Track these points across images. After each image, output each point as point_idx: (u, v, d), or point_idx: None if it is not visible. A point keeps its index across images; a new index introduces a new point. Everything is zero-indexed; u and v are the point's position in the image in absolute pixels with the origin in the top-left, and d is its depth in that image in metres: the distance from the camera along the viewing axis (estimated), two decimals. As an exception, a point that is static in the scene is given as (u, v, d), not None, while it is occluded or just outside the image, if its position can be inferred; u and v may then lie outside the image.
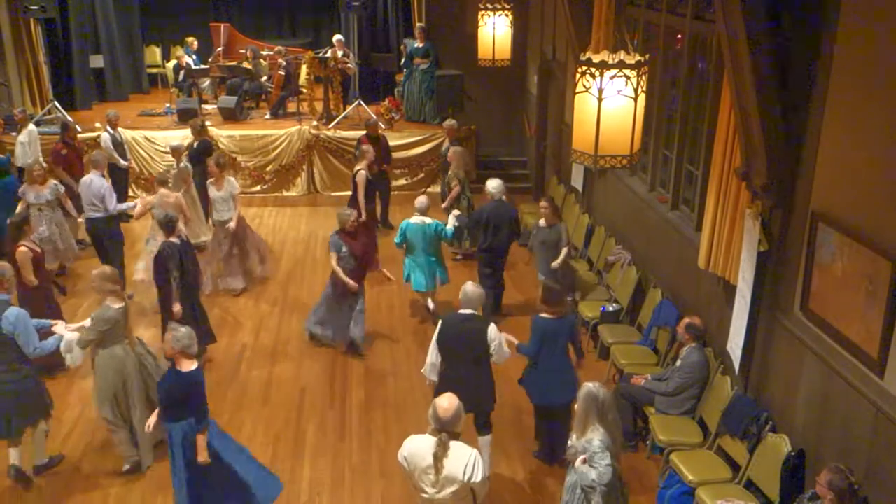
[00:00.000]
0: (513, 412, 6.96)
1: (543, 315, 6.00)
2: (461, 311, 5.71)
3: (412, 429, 6.62)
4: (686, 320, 6.22)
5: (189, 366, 5.18)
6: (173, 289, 7.12)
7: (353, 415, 6.96)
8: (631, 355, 7.06)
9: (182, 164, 10.16)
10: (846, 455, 4.54)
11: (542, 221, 8.25)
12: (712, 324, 6.30)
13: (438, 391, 5.40)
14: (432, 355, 5.80)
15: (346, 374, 7.67)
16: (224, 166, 9.59)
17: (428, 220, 8.29)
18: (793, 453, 4.94)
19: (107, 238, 9.02)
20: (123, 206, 9.36)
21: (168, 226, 7.27)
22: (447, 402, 4.12)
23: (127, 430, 6.10)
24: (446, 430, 4.07)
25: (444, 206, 9.93)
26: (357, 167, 10.21)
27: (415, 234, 8.29)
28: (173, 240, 7.22)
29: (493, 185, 8.59)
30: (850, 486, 4.11)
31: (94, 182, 8.80)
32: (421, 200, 8.39)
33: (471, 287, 5.76)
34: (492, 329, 5.61)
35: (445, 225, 8.28)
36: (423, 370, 5.94)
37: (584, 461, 4.48)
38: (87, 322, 5.87)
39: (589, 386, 4.55)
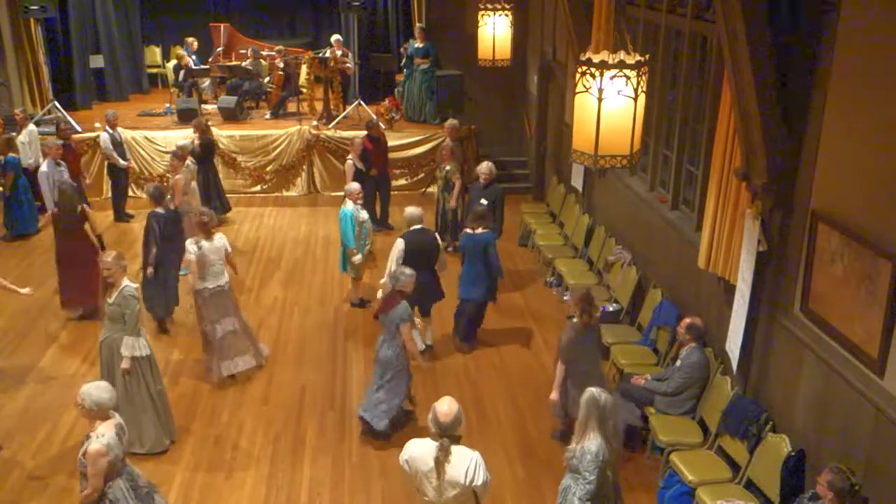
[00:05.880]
0: (513, 412, 6.96)
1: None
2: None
3: (412, 428, 6.65)
4: (687, 320, 6.22)
5: None
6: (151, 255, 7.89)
7: (352, 415, 6.95)
8: (631, 355, 7.06)
9: (187, 162, 10.15)
10: (846, 455, 4.54)
11: None
12: (712, 324, 6.30)
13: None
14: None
15: (346, 373, 7.66)
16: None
17: (346, 206, 8.43)
18: (793, 453, 4.94)
19: None
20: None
21: (155, 197, 8.02)
22: (447, 407, 4.08)
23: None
24: (447, 435, 4.04)
25: (452, 206, 10.04)
26: (348, 157, 10.53)
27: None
28: (159, 210, 7.96)
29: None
30: (851, 486, 4.11)
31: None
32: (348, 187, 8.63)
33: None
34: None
35: (355, 213, 8.35)
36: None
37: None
38: (125, 350, 5.99)
39: (592, 391, 4.53)
